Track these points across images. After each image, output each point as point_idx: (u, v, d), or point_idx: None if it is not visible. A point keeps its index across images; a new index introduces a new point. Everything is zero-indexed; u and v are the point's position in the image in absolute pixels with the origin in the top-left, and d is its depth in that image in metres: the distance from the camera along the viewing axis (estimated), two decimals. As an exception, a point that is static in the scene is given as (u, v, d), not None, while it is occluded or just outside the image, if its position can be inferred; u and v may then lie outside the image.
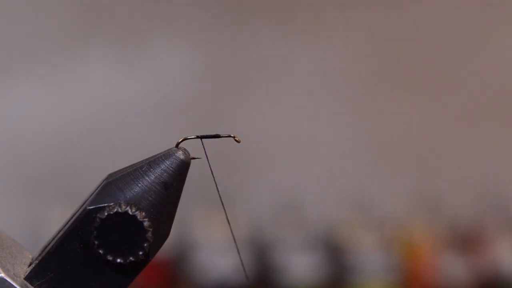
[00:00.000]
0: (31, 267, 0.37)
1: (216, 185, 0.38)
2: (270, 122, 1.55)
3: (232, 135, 0.37)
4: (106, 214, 0.35)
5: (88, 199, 0.36)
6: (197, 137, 0.37)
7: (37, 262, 0.37)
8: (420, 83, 1.60)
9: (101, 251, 0.35)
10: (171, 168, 0.36)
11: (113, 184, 0.36)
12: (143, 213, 0.35)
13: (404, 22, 1.58)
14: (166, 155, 0.36)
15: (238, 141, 0.37)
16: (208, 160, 0.37)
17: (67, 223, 0.36)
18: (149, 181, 0.36)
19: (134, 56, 1.52)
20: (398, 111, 1.58)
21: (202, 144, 0.37)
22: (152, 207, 0.36)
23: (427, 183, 1.56)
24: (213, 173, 0.38)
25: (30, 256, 0.40)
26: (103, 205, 0.35)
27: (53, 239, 0.37)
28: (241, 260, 0.40)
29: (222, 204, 0.39)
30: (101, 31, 1.51)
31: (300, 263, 1.42)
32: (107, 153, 1.46)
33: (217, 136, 0.37)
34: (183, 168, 0.36)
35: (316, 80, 1.57)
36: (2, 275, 0.35)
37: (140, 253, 0.35)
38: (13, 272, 0.36)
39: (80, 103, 1.50)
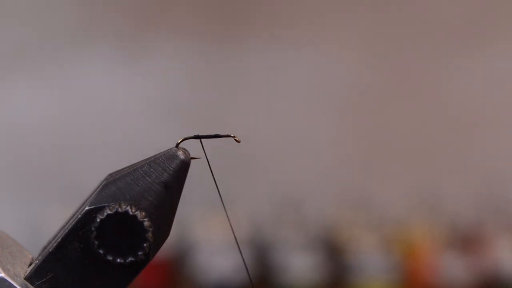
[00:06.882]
0: (31, 267, 0.37)
1: (216, 185, 0.38)
2: (270, 122, 1.55)
3: (232, 135, 0.37)
4: (106, 214, 0.35)
5: (88, 199, 0.36)
6: (196, 137, 0.37)
7: (37, 262, 0.37)
8: (420, 83, 1.60)
9: (101, 251, 0.35)
10: (171, 168, 0.36)
11: (113, 184, 0.36)
12: (143, 213, 0.35)
13: (404, 24, 1.58)
14: (166, 155, 0.36)
15: (238, 141, 0.37)
16: (208, 160, 0.37)
17: (67, 223, 0.36)
18: (149, 181, 0.36)
19: (135, 57, 1.52)
20: (398, 111, 1.58)
21: (202, 144, 0.37)
22: (152, 207, 0.36)
23: (427, 183, 1.56)
24: (213, 173, 0.38)
25: (30, 256, 0.40)
26: (103, 205, 0.35)
27: (53, 239, 0.37)
28: (245, 263, 0.40)
29: (223, 204, 0.38)
30: (102, 32, 1.51)
31: (300, 263, 1.42)
32: (107, 153, 1.46)
33: (216, 136, 0.37)
34: (183, 168, 0.36)
35: (316, 80, 1.57)
36: (2, 275, 0.35)
37: (140, 253, 0.35)
38: (13, 272, 0.36)
39: (80, 103, 1.51)
